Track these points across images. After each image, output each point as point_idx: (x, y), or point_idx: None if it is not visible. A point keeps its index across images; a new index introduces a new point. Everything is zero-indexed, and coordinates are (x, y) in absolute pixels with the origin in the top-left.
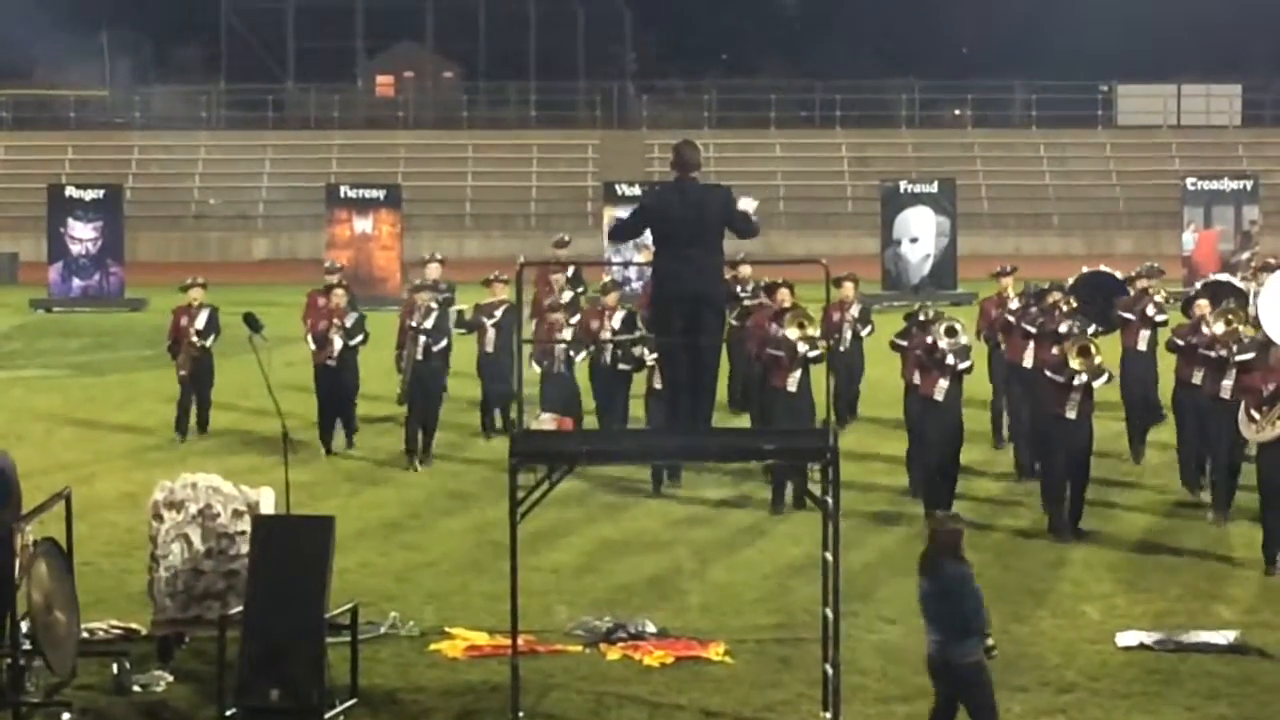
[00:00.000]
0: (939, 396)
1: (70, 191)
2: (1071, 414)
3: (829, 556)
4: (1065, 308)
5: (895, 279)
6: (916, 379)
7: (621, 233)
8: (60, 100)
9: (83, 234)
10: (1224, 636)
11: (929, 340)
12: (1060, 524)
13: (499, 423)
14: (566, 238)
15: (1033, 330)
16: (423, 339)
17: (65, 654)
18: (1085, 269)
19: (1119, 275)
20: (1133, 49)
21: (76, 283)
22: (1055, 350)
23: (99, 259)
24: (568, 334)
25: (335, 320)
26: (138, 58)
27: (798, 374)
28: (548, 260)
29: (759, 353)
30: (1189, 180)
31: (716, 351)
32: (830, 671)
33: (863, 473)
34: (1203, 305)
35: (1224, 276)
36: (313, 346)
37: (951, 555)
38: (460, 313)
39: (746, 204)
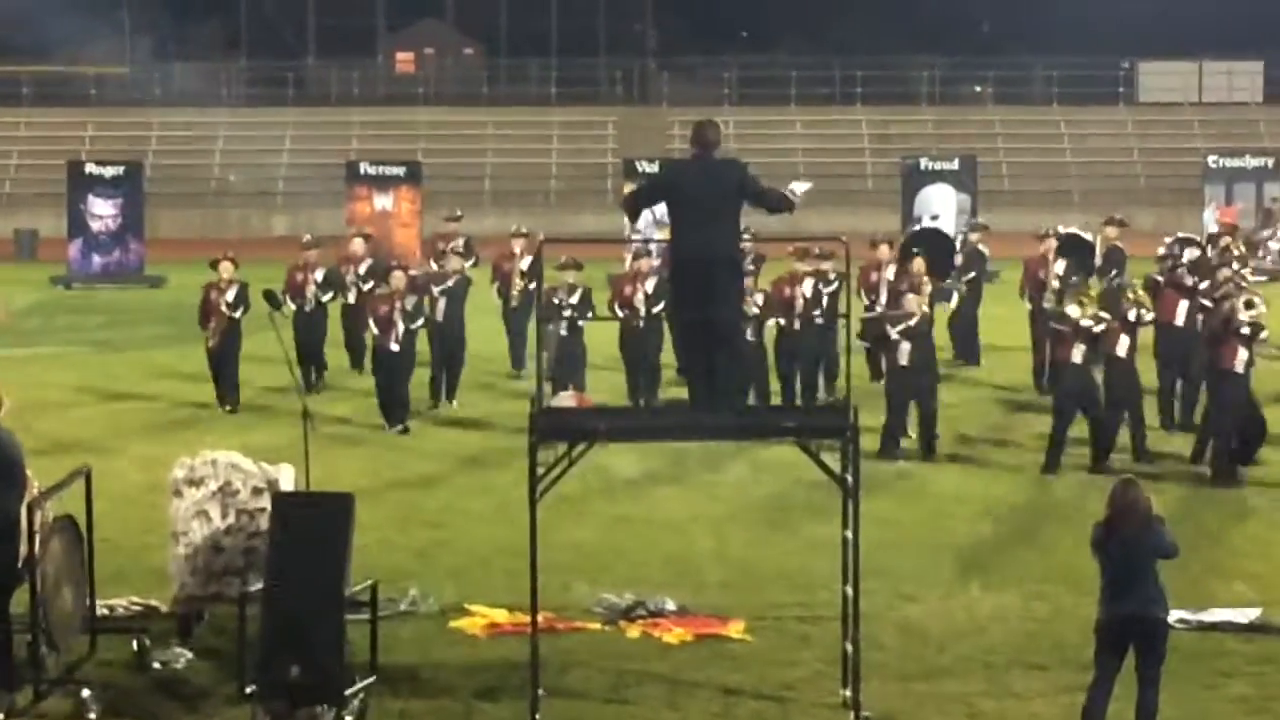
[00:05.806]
0: (1239, 368)
1: (90, 168)
2: (1239, 368)
3: (849, 535)
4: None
5: None
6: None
7: (634, 202)
8: (80, 77)
9: (103, 211)
10: (1245, 615)
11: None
12: (1226, 471)
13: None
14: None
15: (1188, 284)
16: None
17: (67, 631)
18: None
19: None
20: (1154, 25)
21: (96, 259)
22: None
23: (119, 236)
24: (651, 284)
25: (397, 303)
26: (158, 34)
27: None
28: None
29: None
30: (1210, 157)
31: (735, 324)
32: (850, 649)
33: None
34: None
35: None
36: (375, 331)
37: (1150, 519)
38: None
39: (799, 186)
